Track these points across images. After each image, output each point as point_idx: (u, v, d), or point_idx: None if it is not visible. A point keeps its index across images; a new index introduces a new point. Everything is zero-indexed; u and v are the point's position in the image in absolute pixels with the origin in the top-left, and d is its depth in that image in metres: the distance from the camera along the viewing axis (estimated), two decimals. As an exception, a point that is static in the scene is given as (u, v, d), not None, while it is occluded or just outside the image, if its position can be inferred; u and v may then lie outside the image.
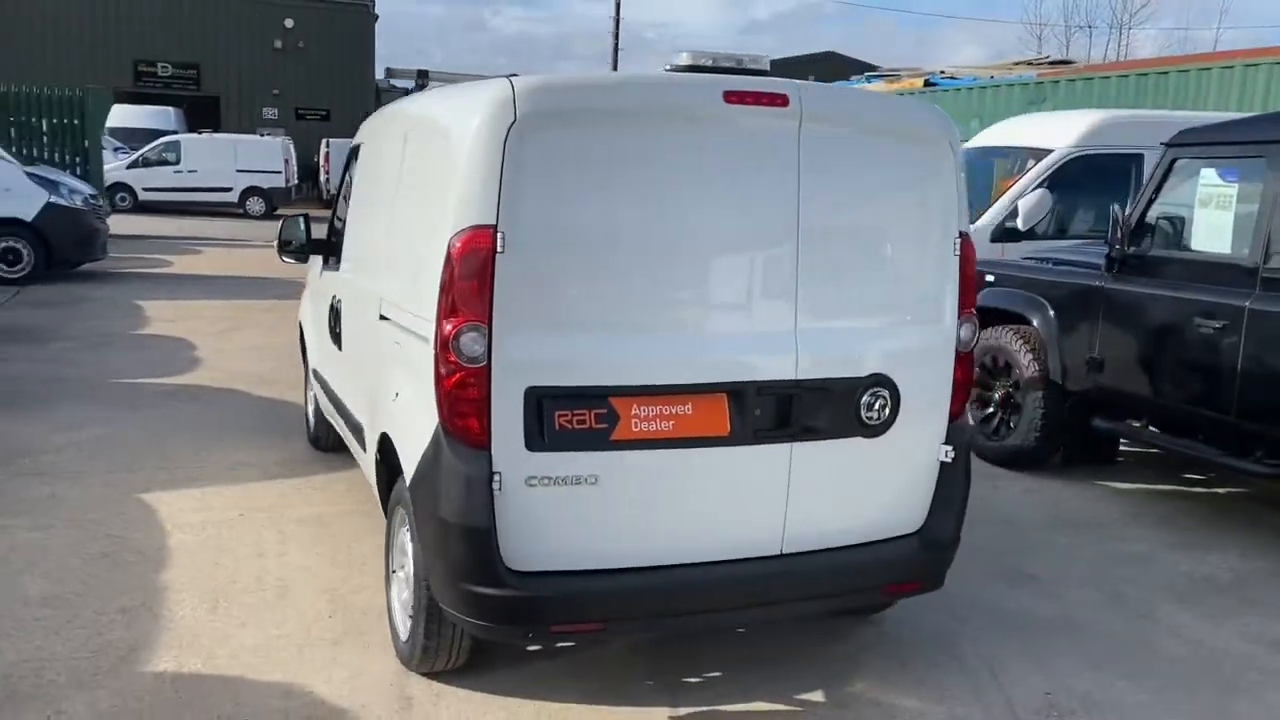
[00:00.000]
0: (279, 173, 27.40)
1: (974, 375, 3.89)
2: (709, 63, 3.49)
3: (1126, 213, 6.04)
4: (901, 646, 4.20)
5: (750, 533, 3.53)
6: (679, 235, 3.35)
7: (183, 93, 34.74)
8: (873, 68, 23.07)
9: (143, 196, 26.16)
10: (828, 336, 3.54)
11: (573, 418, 3.25)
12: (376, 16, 37.52)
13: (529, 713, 3.59)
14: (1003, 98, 15.73)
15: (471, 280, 3.13)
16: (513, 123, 3.12)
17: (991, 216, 8.15)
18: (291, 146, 29.24)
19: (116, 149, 28.60)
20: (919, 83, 17.84)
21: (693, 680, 3.86)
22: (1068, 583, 4.90)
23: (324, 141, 31.65)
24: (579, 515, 3.30)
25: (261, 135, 28.66)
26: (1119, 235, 6.02)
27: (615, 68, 33.85)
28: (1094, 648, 4.27)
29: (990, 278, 7.04)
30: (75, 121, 18.36)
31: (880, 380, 3.59)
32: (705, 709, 3.67)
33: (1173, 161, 5.90)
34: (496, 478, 3.19)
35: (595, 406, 3.27)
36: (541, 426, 3.22)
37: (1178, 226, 5.94)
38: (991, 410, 6.91)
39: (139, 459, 6.13)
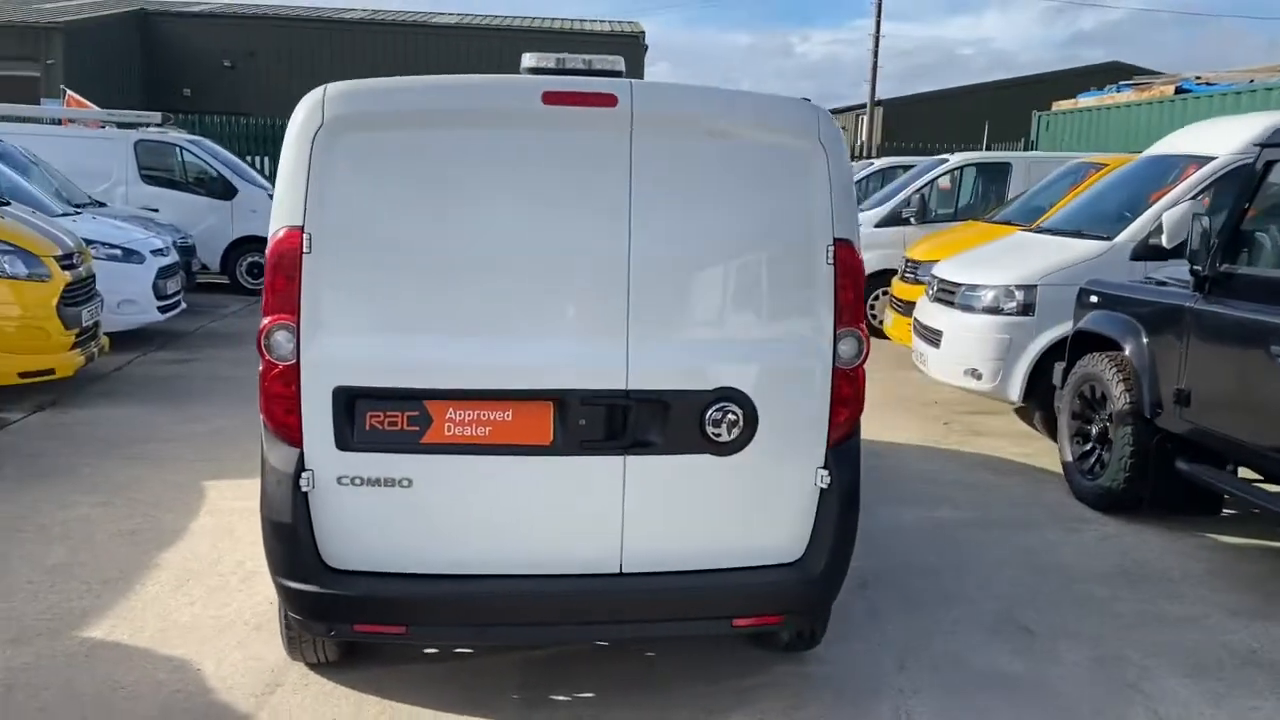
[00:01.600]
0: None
1: (863, 391, 3.51)
2: (553, 64, 3.42)
3: (1209, 221, 5.28)
4: (809, 688, 3.88)
5: (583, 548, 3.40)
6: (499, 240, 3.30)
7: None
8: (1154, 74, 21.22)
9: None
10: (665, 347, 3.36)
11: (384, 419, 3.28)
12: (646, 48, 38.73)
13: (373, 712, 3.63)
14: (1259, 102, 14.02)
15: (280, 280, 3.23)
16: (320, 126, 3.20)
17: (1132, 232, 7.32)
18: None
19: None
20: (1170, 90, 16.22)
21: (561, 698, 3.75)
22: (1064, 640, 4.33)
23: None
24: (391, 517, 3.32)
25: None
26: (1207, 249, 5.26)
27: (873, 89, 33.13)
28: (1036, 714, 3.76)
29: (1094, 298, 6.36)
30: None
31: (730, 395, 3.36)
32: (552, 728, 3.57)
33: (1269, 164, 5.10)
34: (308, 475, 3.27)
35: (407, 409, 3.28)
36: (351, 426, 3.27)
37: (1276, 240, 5.13)
38: (1090, 446, 6.21)
39: (230, 451, 6.68)
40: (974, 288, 7.74)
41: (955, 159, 12.92)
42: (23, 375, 7.46)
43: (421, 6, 36.71)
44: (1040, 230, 8.39)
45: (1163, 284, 5.83)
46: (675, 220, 3.36)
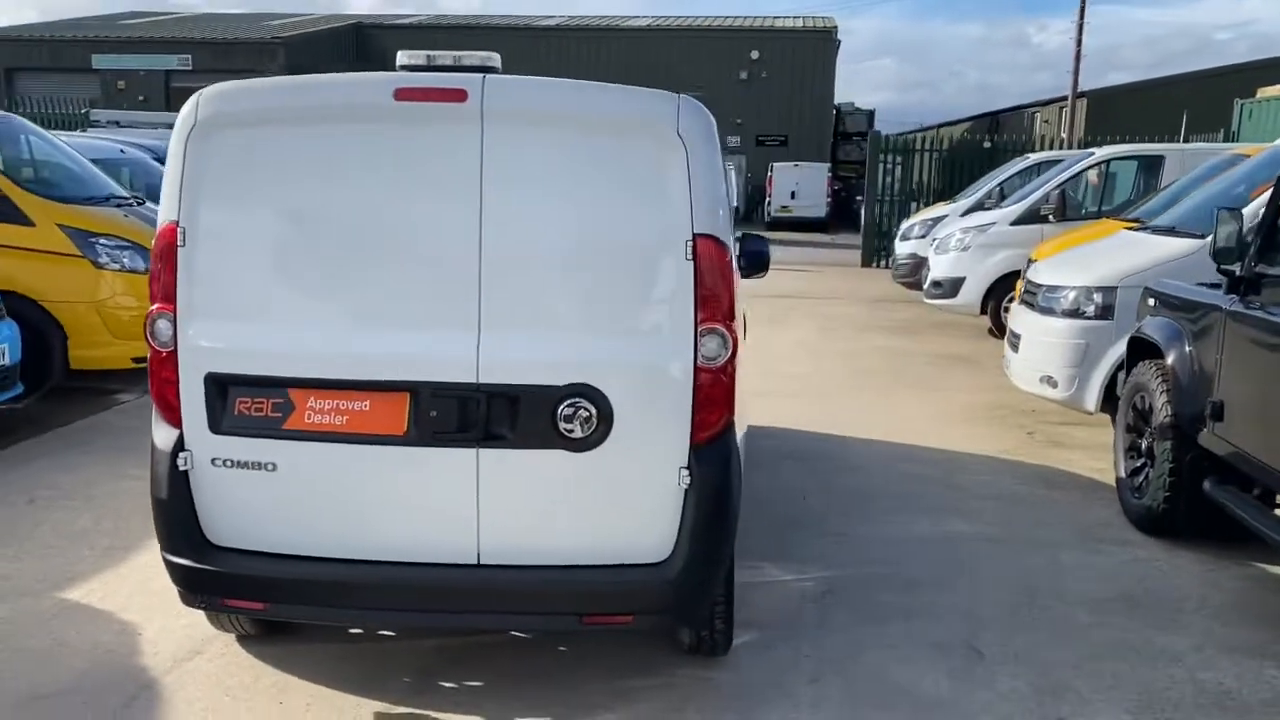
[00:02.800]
0: (716, 196, 28.86)
1: (732, 391, 3.37)
2: (423, 61, 3.48)
3: (1244, 217, 4.75)
4: (701, 693, 3.78)
5: (441, 538, 3.45)
6: (356, 234, 3.40)
7: (658, 125, 37.77)
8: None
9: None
10: (517, 342, 3.35)
11: (251, 405, 3.43)
12: (839, 43, 38.10)
13: (268, 682, 3.80)
14: None
15: (161, 271, 3.45)
16: (193, 126, 3.39)
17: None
18: (733, 173, 30.74)
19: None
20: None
21: (448, 685, 3.82)
22: (1012, 665, 4.02)
23: (770, 166, 32.90)
24: (259, 499, 3.47)
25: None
26: (1241, 246, 4.76)
27: (1075, 80, 31.23)
28: (930, 738, 3.53)
29: (1152, 301, 5.85)
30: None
31: (582, 391, 3.33)
32: (425, 713, 3.63)
33: (1307, 153, 4.54)
34: (185, 455, 3.47)
35: (272, 395, 3.42)
36: (223, 410, 3.45)
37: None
38: (1141, 462, 5.72)
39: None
40: (1054, 289, 7.26)
41: (1101, 152, 12.11)
42: (136, 361, 8.15)
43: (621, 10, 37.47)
44: (1146, 227, 7.76)
45: (1214, 286, 5.30)
46: (528, 215, 3.36)
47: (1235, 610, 4.58)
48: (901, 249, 14.95)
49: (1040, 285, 7.42)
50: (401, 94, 3.31)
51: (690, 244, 3.33)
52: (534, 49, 36.73)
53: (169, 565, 3.56)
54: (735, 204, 31.27)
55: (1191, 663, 4.09)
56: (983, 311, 11.94)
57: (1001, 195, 13.63)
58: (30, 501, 5.72)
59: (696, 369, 3.37)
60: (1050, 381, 7.15)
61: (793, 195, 32.36)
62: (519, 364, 3.35)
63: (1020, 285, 9.86)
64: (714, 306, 3.37)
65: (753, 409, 8.13)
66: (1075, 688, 3.87)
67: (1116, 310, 6.79)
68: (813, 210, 32.08)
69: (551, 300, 3.39)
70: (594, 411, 3.33)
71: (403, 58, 3.52)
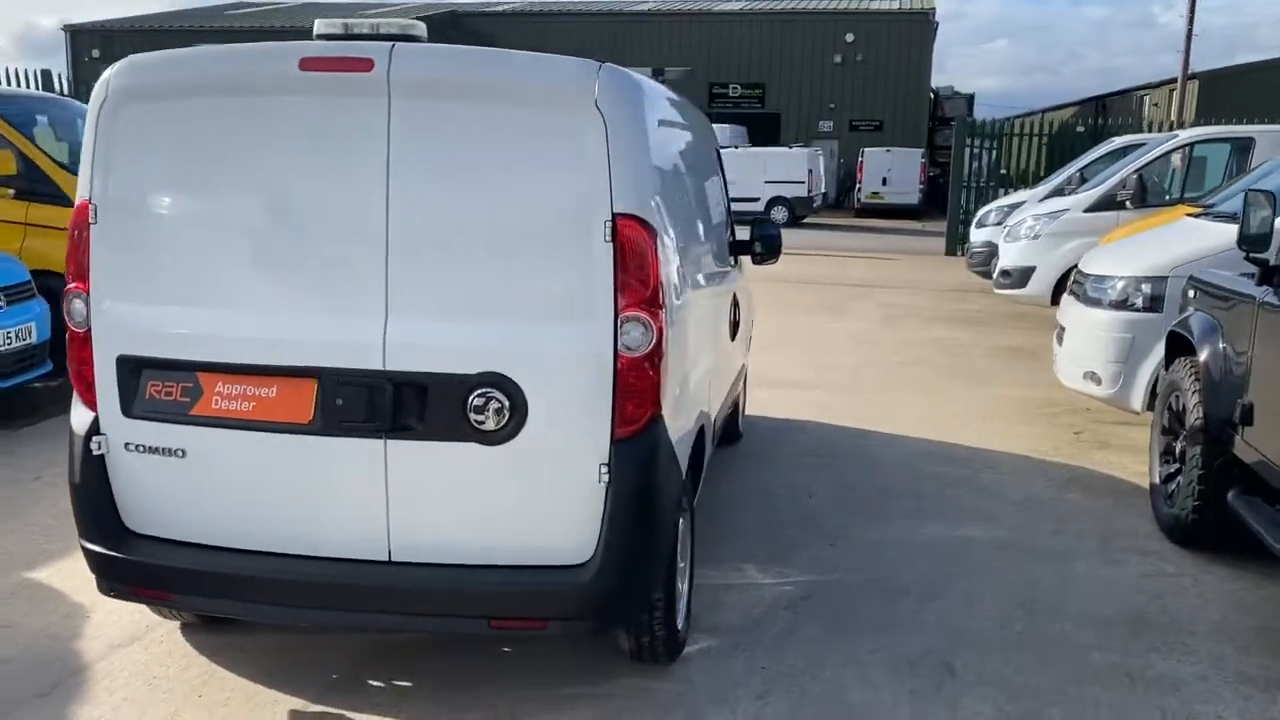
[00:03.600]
0: (802, 183, 28.36)
1: (658, 382, 3.13)
2: (340, 30, 3.31)
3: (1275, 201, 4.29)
4: (638, 704, 3.54)
5: (351, 533, 3.29)
6: (264, 211, 3.26)
7: (749, 111, 37.33)
8: None
9: (683, 206, 28.69)
10: (425, 328, 3.17)
11: (162, 388, 3.32)
12: (937, 25, 37.00)
13: (195, 672, 3.70)
14: None
15: (75, 250, 3.35)
16: (105, 100, 3.28)
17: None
18: (820, 158, 30.13)
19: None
20: None
21: (376, 684, 3.67)
22: (983, 688, 3.69)
23: (861, 152, 32.17)
24: (170, 485, 3.36)
25: (790, 148, 29.88)
26: (1273, 233, 4.30)
27: (1186, 61, 29.65)
28: (870, 766, 3.24)
29: (1192, 292, 5.39)
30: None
31: (494, 380, 3.12)
32: (339, 712, 3.48)
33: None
34: (100, 439, 3.37)
35: (182, 380, 3.30)
36: (135, 394, 3.34)
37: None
38: (1176, 467, 5.27)
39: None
40: (1102, 279, 6.77)
41: (1186, 134, 11.39)
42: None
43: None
44: (1208, 213, 7.20)
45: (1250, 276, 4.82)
46: (437, 192, 3.17)
47: (1257, 635, 4.16)
48: (976, 236, 14.36)
49: (1088, 275, 6.93)
50: (307, 64, 3.14)
51: (610, 224, 3.09)
52: (626, 34, 36.56)
53: (84, 552, 3.47)
54: (824, 189, 30.70)
55: (1191, 693, 3.70)
56: (1053, 303, 11.32)
57: (1082, 181, 12.95)
58: (36, 479, 5.78)
59: (617, 359, 3.14)
60: (1094, 378, 6.68)
61: (884, 181, 31.55)
62: (427, 351, 3.16)
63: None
64: (636, 291, 3.13)
65: (778, 401, 7.85)
66: (1046, 716, 3.53)
67: (1166, 302, 6.29)
68: (905, 197, 31.23)
69: (462, 284, 3.19)
70: (506, 402, 3.12)
71: (319, 26, 3.35)
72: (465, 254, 3.18)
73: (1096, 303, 6.74)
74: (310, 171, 3.21)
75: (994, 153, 20.75)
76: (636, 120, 3.20)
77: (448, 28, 38.61)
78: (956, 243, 19.62)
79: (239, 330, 3.26)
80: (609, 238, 3.10)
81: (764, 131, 35.29)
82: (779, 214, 28.45)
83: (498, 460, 3.17)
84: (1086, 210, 11.19)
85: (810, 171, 28.50)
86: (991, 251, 13.13)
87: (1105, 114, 31.01)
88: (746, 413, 7.02)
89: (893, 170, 31.44)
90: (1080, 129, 20.72)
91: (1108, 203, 11.04)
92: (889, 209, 31.00)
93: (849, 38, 36.37)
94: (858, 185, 32.20)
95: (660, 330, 3.15)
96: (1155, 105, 33.68)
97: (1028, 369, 9.29)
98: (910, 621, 4.21)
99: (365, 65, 3.11)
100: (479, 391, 3.13)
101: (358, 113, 3.14)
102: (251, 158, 3.24)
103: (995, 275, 12.07)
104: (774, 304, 12.96)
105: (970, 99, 39.26)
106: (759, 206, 28.54)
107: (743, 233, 5.82)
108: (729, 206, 5.87)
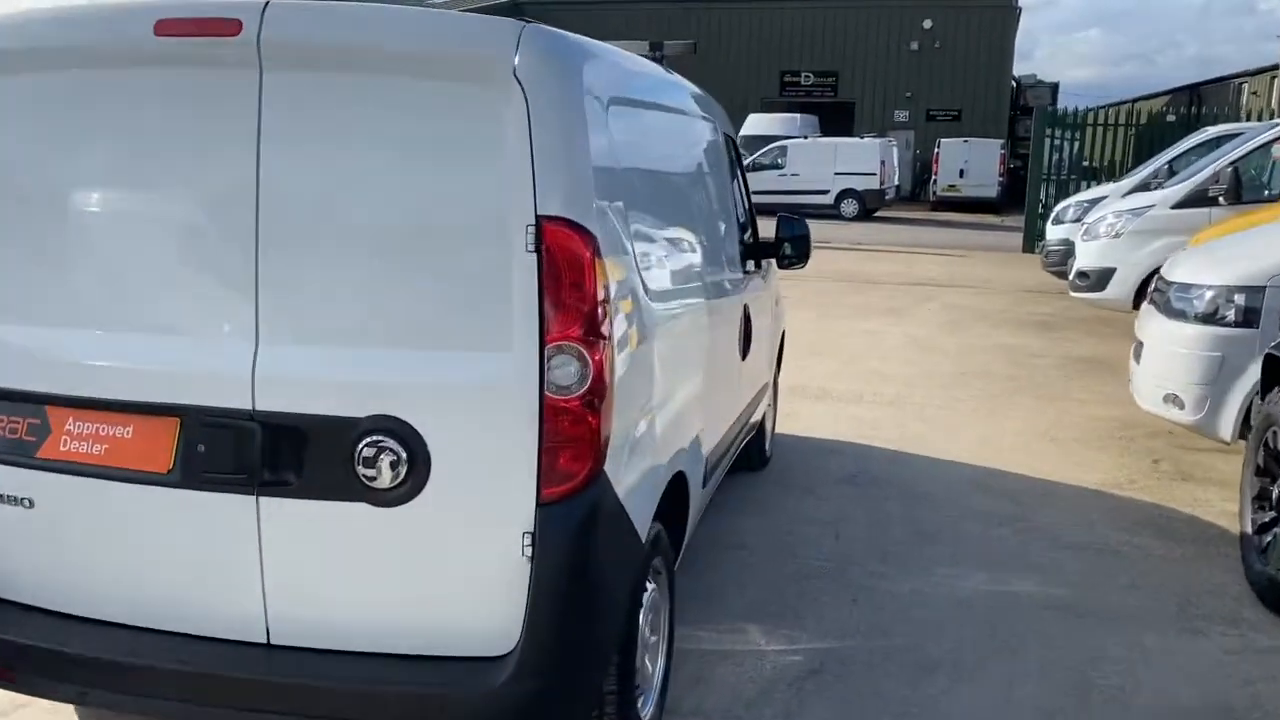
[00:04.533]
0: (874, 174, 27.31)
1: (599, 430, 2.44)
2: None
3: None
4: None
5: (222, 608, 2.67)
6: (122, 211, 2.67)
7: (821, 100, 36.26)
8: None
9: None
10: (303, 357, 2.54)
11: (6, 424, 2.74)
12: (1019, 11, 35.50)
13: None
14: None
15: None
16: (-61, 75, 2.71)
17: None
18: (894, 148, 29.02)
19: (736, 155, 30.91)
20: None
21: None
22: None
23: (937, 142, 30.99)
24: (15, 541, 2.78)
25: (861, 138, 28.82)
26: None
27: (1288, 45, 27.83)
28: None
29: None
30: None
31: (388, 426, 2.48)
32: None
33: None
34: None
35: (28, 414, 2.72)
36: (-27, 430, 2.76)
37: None
38: (1271, 516, 4.44)
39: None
40: (1187, 288, 5.88)
41: (1289, 123, 10.28)
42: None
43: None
44: (1317, 213, 6.27)
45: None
46: (319, 188, 2.54)
47: (1372, 741, 3.35)
48: (1053, 234, 13.37)
49: (1172, 282, 6.06)
50: (163, 27, 2.52)
51: (534, 230, 2.42)
52: (696, 20, 35.71)
53: None
54: (897, 182, 29.61)
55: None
56: (1135, 307, 10.35)
57: (1171, 174, 11.90)
58: None
59: (544, 400, 2.47)
60: (1176, 401, 5.81)
61: (961, 174, 30.25)
62: (305, 386, 2.53)
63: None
64: (568, 315, 2.46)
65: (819, 417, 7.08)
66: None
67: (1263, 316, 5.41)
68: (982, 190, 29.92)
69: (350, 304, 2.55)
70: (403, 453, 2.48)
71: (197, -16, 2.73)
72: (354, 266, 2.54)
73: (1180, 315, 5.86)
74: (168, 163, 2.60)
75: (1076, 144, 19.56)
76: (570, 95, 2.52)
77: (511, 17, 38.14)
78: (1034, 239, 18.50)
79: (91, 355, 2.67)
80: (532, 247, 2.43)
81: (837, 121, 34.20)
82: (849, 207, 27.50)
83: (393, 525, 2.53)
84: (1174, 206, 10.18)
85: (883, 162, 27.42)
86: (1068, 250, 12.14)
87: (1199, 103, 29.35)
88: (778, 430, 6.30)
89: (970, 162, 30.14)
90: (1171, 118, 19.39)
91: (1198, 198, 10.03)
92: (965, 202, 29.74)
93: (927, 24, 35.02)
94: (932, 177, 30.98)
95: (600, 364, 2.47)
96: (1254, 94, 31.81)
97: (1102, 383, 8.39)
98: (932, 708, 3.48)
99: (231, 28, 2.48)
100: (369, 439, 2.48)
101: (223, 87, 2.52)
102: (109, 146, 2.64)
103: (1071, 276, 11.12)
104: (827, 305, 12.18)
105: (1054, 88, 37.68)
106: (828, 199, 27.61)
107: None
108: (748, 205, 5.16)
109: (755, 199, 5.28)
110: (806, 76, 36.45)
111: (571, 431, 2.49)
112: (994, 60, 34.90)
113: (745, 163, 24.24)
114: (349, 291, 2.54)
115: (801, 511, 5.31)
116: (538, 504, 2.49)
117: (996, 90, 35.08)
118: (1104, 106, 27.17)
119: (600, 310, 2.50)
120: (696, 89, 4.38)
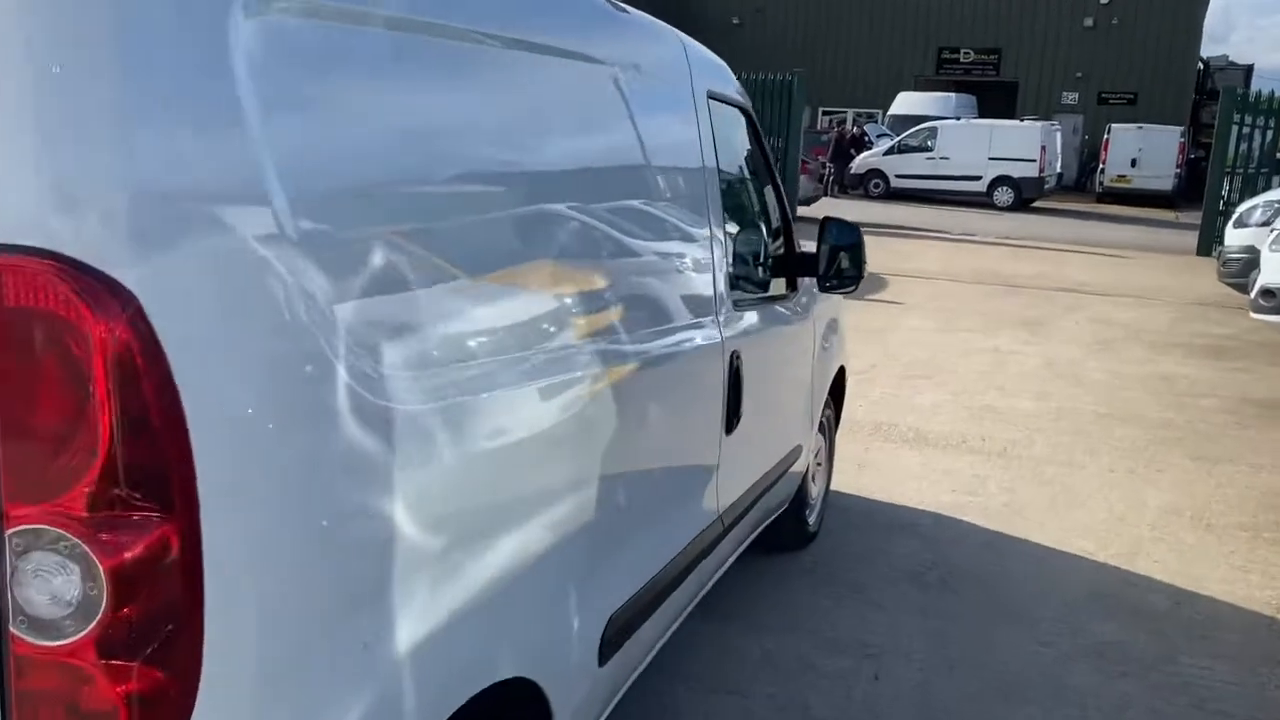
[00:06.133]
0: (1033, 161, 24.92)
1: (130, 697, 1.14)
2: None
3: None
4: None
5: None
6: None
7: (981, 79, 33.75)
8: None
9: (895, 184, 25.85)
10: None
11: None
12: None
13: None
14: None
15: None
16: None
17: None
18: (1057, 133, 26.53)
19: (879, 135, 28.89)
20: None
21: None
22: None
23: (1107, 128, 28.22)
24: None
25: (1021, 120, 26.38)
26: None
27: None
28: None
29: None
30: (784, 106, 18.78)
31: None
32: None
33: None
34: None
35: None
36: None
37: None
38: None
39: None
40: None
41: None
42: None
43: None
44: None
45: None
46: None
47: None
48: (1233, 239, 11.27)
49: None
50: None
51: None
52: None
53: None
54: (1059, 170, 27.14)
55: None
56: (1335, 337, 8.36)
57: (1390, 172, 9.72)
58: None
59: (4, 652, 1.14)
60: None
61: (1133, 163, 27.34)
62: None
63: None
64: (50, 468, 1.11)
65: (902, 469, 5.51)
66: None
67: None
68: (1157, 182, 26.97)
69: None
70: None
71: None
72: None
73: None
74: None
75: (1270, 133, 17.00)
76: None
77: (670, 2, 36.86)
78: (1211, 242, 16.13)
79: None
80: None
81: (998, 102, 31.71)
82: (1003, 195, 25.25)
83: None
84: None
85: (1044, 148, 24.99)
86: (1251, 260, 10.09)
87: None
88: (840, 487, 4.85)
89: (1144, 150, 27.23)
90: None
91: None
92: (1136, 195, 26.90)
93: (1104, -1, 32.06)
94: (1100, 166, 28.21)
95: (144, 567, 1.13)
96: None
97: (1288, 440, 6.55)
98: None
99: None
100: None
101: None
102: None
103: (1254, 293, 9.14)
104: (950, 313, 10.49)
105: (1248, 71, 34.01)
106: (980, 186, 25.44)
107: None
108: (780, 208, 3.73)
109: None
110: (966, 54, 33.87)
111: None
112: (1179, 39, 31.62)
113: (891, 144, 22.26)
114: None
115: (836, 629, 3.85)
116: None
117: (1180, 72, 31.82)
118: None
119: (148, 443, 1.15)
120: (645, 19, 2.88)
